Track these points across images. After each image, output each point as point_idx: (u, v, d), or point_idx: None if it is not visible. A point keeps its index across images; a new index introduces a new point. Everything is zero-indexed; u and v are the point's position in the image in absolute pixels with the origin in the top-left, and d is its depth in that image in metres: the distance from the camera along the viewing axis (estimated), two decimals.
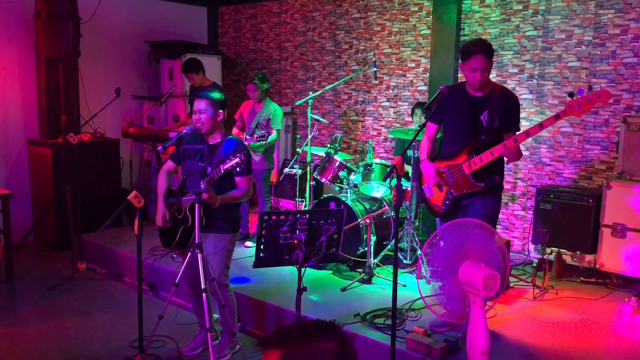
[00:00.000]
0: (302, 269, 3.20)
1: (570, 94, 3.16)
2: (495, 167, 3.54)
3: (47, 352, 3.88)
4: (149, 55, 7.23)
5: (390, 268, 4.91)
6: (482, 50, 3.40)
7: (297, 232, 3.17)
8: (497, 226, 4.52)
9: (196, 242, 3.39)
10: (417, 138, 3.63)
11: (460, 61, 3.56)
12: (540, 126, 3.30)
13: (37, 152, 6.18)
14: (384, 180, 4.85)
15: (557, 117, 3.26)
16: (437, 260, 2.97)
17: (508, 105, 3.57)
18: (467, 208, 3.63)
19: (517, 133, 3.43)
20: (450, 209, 3.64)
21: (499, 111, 3.53)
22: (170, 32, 7.40)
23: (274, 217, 3.15)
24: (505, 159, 3.60)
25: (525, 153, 5.27)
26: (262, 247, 3.18)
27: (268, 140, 4.55)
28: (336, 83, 5.87)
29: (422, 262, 3.01)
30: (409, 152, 5.44)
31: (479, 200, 3.58)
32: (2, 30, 6.08)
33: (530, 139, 5.01)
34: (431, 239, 3.07)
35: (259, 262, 3.22)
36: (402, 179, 4.89)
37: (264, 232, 3.16)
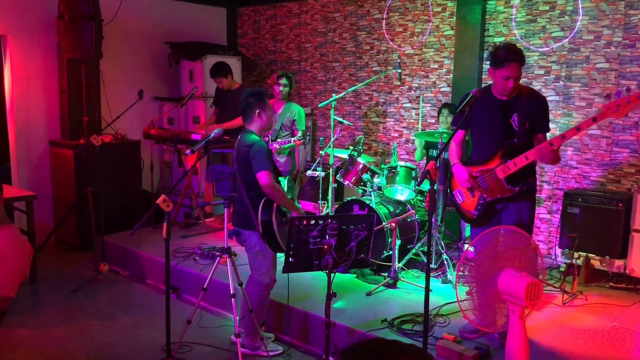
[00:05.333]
0: (332, 275, 3.15)
1: (607, 96, 3.10)
2: (528, 170, 3.49)
3: (74, 355, 3.88)
4: (169, 56, 7.22)
5: (415, 272, 4.86)
6: (516, 58, 3.34)
7: (327, 238, 3.12)
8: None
9: (225, 246, 3.37)
10: (449, 141, 3.55)
11: (490, 67, 3.48)
12: (577, 129, 3.24)
13: (59, 153, 6.20)
14: (419, 184, 4.80)
15: (594, 119, 3.20)
16: (474, 267, 2.91)
17: (537, 107, 3.52)
18: (502, 213, 3.57)
19: (554, 136, 3.36)
20: (483, 215, 3.58)
21: (529, 114, 3.48)
22: (190, 33, 7.39)
23: (304, 222, 3.11)
24: (537, 161, 3.54)
25: None
26: (291, 252, 3.15)
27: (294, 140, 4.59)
28: (360, 84, 5.82)
29: (462, 268, 2.95)
30: (433, 153, 5.40)
31: (513, 204, 3.53)
32: (25, 32, 6.10)
33: None
34: (472, 244, 3.00)
35: (288, 268, 3.17)
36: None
37: (293, 237, 3.12)
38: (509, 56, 3.34)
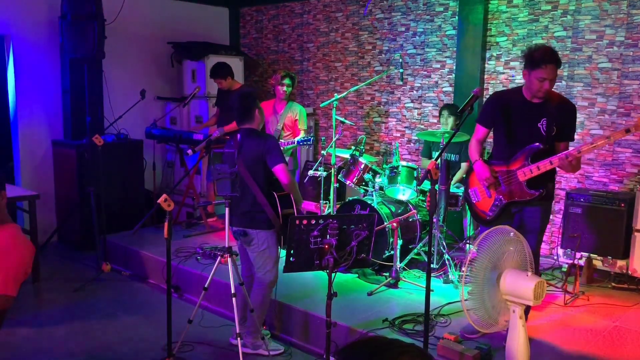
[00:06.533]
0: (332, 274, 3.15)
1: None
2: (549, 175, 3.47)
3: (75, 354, 3.89)
4: (171, 56, 7.23)
5: (416, 272, 4.86)
6: (554, 60, 3.30)
7: (328, 237, 3.12)
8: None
9: (226, 245, 3.37)
10: (449, 141, 3.54)
11: (525, 69, 3.41)
12: (608, 138, 3.22)
13: (62, 153, 6.22)
14: (420, 183, 4.79)
15: (627, 131, 3.18)
16: (477, 267, 2.90)
17: (566, 113, 3.49)
18: (516, 216, 3.55)
19: (582, 145, 3.34)
20: (498, 216, 3.56)
21: (557, 119, 3.44)
22: (192, 33, 7.39)
23: (304, 222, 3.11)
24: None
25: None
26: (292, 251, 3.14)
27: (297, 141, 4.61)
28: (362, 84, 5.82)
29: (466, 267, 2.94)
30: (434, 155, 5.40)
31: (529, 208, 3.51)
32: (28, 31, 6.12)
33: None
34: (477, 244, 2.99)
35: (289, 267, 3.17)
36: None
37: (294, 237, 3.11)
38: (546, 58, 3.29)
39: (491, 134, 3.72)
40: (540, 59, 3.30)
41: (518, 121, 3.49)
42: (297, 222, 3.09)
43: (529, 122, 3.46)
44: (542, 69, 3.29)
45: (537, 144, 3.41)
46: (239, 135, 3.75)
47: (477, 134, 3.69)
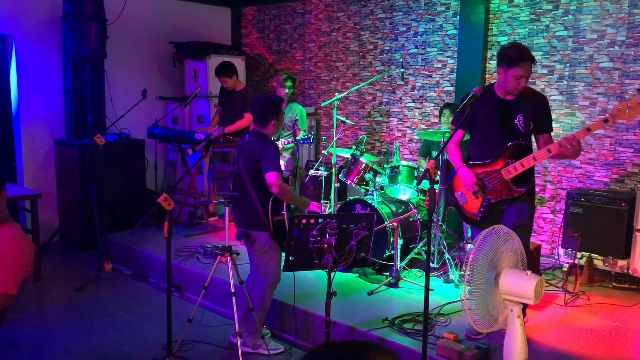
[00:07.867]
0: (332, 274, 3.16)
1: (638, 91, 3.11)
2: (530, 170, 3.49)
3: (76, 353, 3.90)
4: (173, 56, 7.24)
5: (417, 271, 4.86)
6: (529, 57, 3.32)
7: (327, 236, 3.13)
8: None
9: (226, 244, 3.38)
10: (449, 141, 3.54)
11: (501, 67, 3.43)
12: (588, 130, 3.23)
13: (64, 152, 6.23)
14: (419, 183, 4.79)
15: (605, 121, 3.18)
16: (477, 267, 2.90)
17: (540, 107, 3.52)
18: (504, 213, 3.56)
19: (563, 139, 3.34)
20: (487, 216, 3.57)
21: (532, 114, 3.47)
22: (194, 33, 7.40)
23: (303, 221, 3.12)
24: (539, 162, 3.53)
25: None
26: (291, 251, 3.15)
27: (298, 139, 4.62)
28: (363, 84, 5.83)
29: (467, 267, 2.94)
30: (434, 154, 5.40)
31: (515, 205, 3.52)
32: (30, 31, 6.14)
33: None
34: (477, 244, 2.99)
35: (288, 266, 3.19)
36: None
37: (293, 236, 3.12)
38: (522, 55, 3.32)
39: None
40: (517, 57, 3.32)
41: (494, 120, 3.51)
42: (297, 221, 3.09)
43: (505, 119, 3.48)
44: (520, 67, 3.32)
45: (519, 140, 3.42)
46: (247, 136, 3.76)
47: (454, 136, 3.69)
